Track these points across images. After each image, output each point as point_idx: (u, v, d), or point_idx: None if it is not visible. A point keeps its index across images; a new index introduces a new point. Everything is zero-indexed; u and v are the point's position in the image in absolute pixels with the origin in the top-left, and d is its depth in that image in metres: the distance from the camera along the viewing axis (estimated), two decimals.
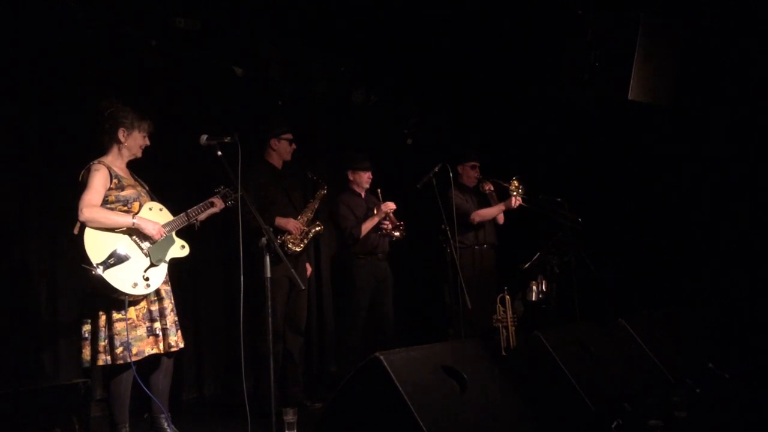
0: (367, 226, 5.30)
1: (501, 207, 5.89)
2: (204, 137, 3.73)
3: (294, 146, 5.01)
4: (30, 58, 4.63)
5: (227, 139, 3.70)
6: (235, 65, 5.67)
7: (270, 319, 3.56)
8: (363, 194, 5.50)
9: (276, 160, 4.98)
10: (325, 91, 6.30)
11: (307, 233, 4.90)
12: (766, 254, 5.80)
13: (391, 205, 5.35)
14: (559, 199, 5.91)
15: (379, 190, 5.46)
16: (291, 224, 4.80)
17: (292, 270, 3.74)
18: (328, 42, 6.04)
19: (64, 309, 4.74)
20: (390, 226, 5.36)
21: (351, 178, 5.47)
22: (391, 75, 6.59)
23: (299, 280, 3.83)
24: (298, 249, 4.82)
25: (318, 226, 4.97)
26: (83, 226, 3.55)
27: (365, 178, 5.45)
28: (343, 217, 5.33)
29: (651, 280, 6.24)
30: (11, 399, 3.53)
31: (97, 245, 3.53)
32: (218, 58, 5.54)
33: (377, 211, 5.37)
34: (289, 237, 4.79)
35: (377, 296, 5.36)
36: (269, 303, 3.57)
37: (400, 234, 5.40)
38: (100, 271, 3.48)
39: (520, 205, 5.84)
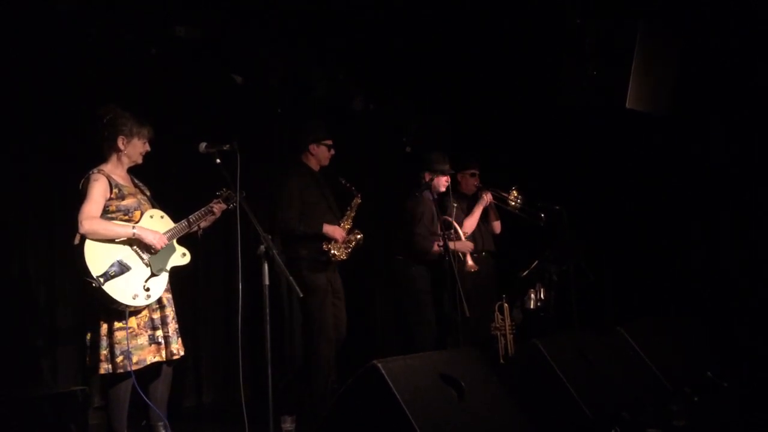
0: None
1: (479, 208, 5.80)
2: (203, 144, 3.73)
3: (333, 152, 5.02)
4: (29, 65, 4.64)
5: (226, 147, 3.70)
6: (235, 73, 5.69)
7: (267, 326, 3.56)
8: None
9: (314, 165, 5.01)
10: (324, 98, 6.31)
11: (349, 242, 4.91)
12: (766, 261, 5.80)
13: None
14: (557, 207, 5.89)
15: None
16: (338, 232, 4.82)
17: (290, 277, 3.74)
18: (328, 48, 6.05)
19: (63, 316, 4.74)
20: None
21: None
22: (390, 82, 6.60)
23: (297, 288, 3.82)
24: (343, 257, 4.84)
25: (358, 234, 4.96)
26: (83, 237, 3.54)
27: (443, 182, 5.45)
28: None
29: (650, 287, 6.23)
30: (9, 406, 3.53)
31: (97, 257, 3.52)
32: (218, 65, 5.55)
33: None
34: (334, 245, 4.80)
35: None
36: (267, 311, 3.56)
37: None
38: (100, 283, 3.47)
39: (492, 202, 5.82)
